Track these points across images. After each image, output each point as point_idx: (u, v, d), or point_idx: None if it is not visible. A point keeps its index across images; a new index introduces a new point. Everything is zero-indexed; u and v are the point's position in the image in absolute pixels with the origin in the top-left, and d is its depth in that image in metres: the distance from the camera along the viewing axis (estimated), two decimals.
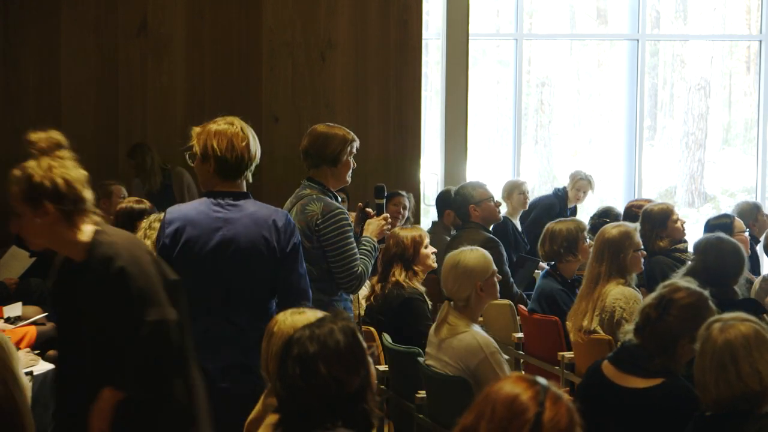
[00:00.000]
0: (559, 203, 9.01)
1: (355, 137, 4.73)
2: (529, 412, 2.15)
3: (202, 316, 3.82)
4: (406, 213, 7.86)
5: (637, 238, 5.19)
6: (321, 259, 4.54)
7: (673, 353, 3.55)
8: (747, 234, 6.48)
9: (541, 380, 2.21)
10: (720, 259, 5.00)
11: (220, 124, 3.95)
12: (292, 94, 8.51)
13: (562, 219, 6.07)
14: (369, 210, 4.84)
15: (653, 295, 3.70)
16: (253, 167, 3.99)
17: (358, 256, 4.57)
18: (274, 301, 3.97)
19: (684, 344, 3.54)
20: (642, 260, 5.24)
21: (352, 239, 4.58)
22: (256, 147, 3.99)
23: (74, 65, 8.35)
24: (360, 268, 4.55)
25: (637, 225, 5.41)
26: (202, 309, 3.82)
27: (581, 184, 9.05)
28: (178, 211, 3.97)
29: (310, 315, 3.14)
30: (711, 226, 6.25)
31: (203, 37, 8.44)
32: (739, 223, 6.25)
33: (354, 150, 4.72)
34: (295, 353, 2.66)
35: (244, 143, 3.93)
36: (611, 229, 5.17)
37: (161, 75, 8.40)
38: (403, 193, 7.91)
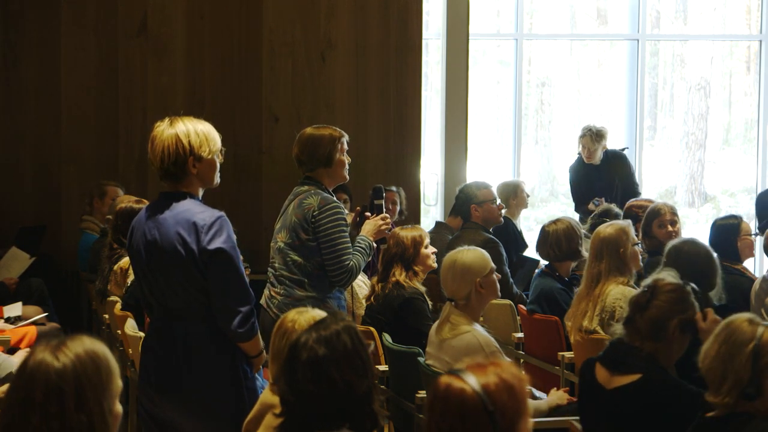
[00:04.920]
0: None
1: (343, 132, 4.79)
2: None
3: None
4: (397, 208, 7.83)
5: (632, 232, 5.23)
6: (316, 253, 4.63)
7: (664, 336, 3.62)
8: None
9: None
10: (697, 272, 5.00)
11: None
12: (292, 94, 8.51)
13: (557, 219, 6.07)
14: (367, 214, 4.90)
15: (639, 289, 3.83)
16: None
17: (351, 250, 4.65)
18: None
19: (673, 328, 3.61)
20: (640, 257, 5.27)
21: (347, 234, 4.67)
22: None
23: (74, 65, 8.34)
24: (352, 263, 4.64)
25: (629, 222, 5.44)
26: None
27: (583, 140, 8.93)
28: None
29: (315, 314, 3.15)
30: (718, 226, 6.24)
31: (203, 37, 8.43)
32: (746, 225, 6.23)
33: (345, 146, 4.78)
34: (304, 357, 2.64)
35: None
36: (605, 228, 5.20)
37: (161, 75, 8.39)
38: (393, 188, 7.89)
